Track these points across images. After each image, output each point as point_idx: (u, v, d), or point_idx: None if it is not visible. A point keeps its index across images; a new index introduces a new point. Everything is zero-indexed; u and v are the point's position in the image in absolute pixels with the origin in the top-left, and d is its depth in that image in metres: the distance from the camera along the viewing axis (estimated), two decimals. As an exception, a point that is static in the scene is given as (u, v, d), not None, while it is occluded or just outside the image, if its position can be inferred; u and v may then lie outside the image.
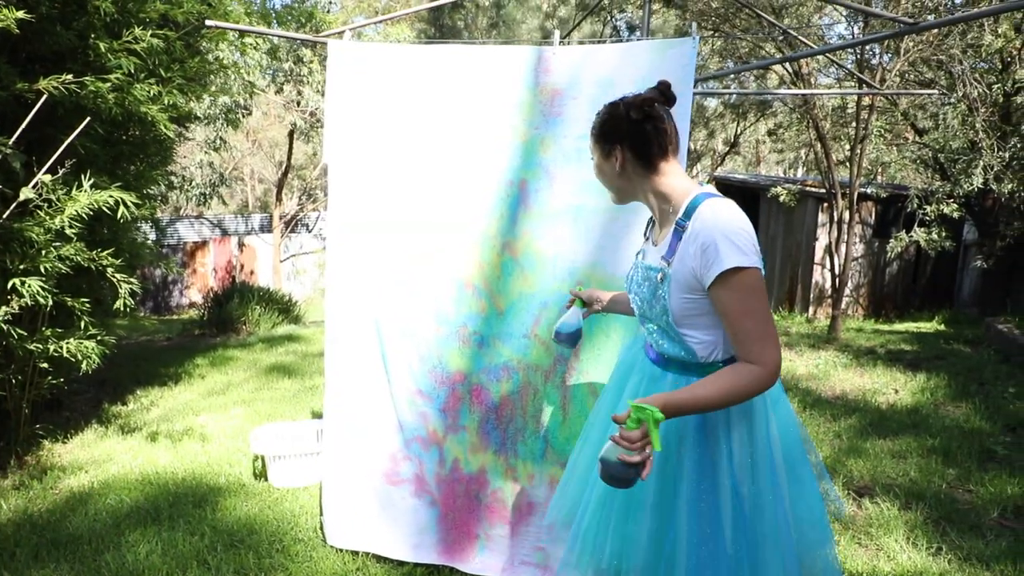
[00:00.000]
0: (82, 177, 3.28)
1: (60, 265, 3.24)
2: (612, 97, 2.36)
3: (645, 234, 1.78)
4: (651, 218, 1.74)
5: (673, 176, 1.61)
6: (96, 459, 3.86)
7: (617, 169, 1.64)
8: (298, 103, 13.07)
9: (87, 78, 3.28)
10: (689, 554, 1.53)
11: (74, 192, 3.24)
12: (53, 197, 3.19)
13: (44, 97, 3.07)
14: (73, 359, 3.53)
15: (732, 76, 10.35)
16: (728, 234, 1.44)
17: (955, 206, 8.42)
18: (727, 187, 13.34)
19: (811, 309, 10.94)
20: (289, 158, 16.07)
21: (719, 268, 1.43)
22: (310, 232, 21.10)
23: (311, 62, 12.00)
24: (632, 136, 1.61)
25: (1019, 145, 7.64)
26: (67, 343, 3.45)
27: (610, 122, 1.65)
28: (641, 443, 1.37)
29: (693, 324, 1.55)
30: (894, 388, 5.33)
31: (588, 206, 2.40)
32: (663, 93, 1.64)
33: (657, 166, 1.60)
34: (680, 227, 1.53)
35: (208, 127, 11.88)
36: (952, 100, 8.05)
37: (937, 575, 2.57)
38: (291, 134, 14.90)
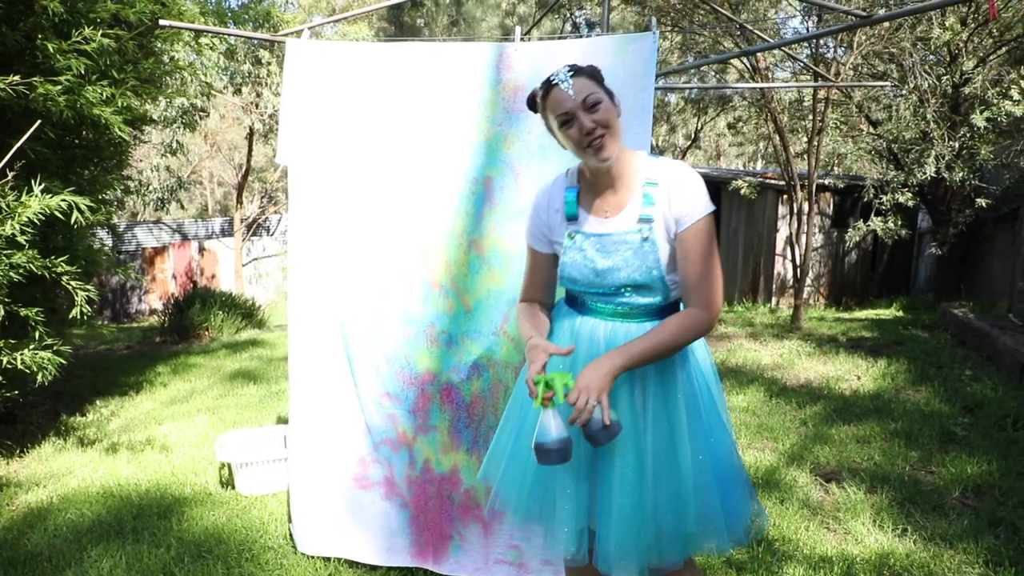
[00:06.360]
0: (32, 182, 3.18)
1: (12, 274, 3.14)
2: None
3: (570, 213, 1.71)
4: (574, 191, 1.71)
5: None
6: (54, 473, 3.74)
7: (619, 118, 1.64)
8: (256, 105, 12.86)
9: (36, 79, 3.18)
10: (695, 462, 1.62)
11: (24, 197, 3.14)
12: (3, 203, 3.08)
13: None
14: (28, 371, 3.43)
15: (692, 71, 10.46)
16: (697, 182, 1.63)
17: (909, 195, 8.62)
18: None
19: (774, 299, 11.13)
20: (249, 161, 15.81)
21: (700, 212, 1.60)
22: (271, 235, 20.79)
23: (269, 63, 11.81)
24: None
25: (968, 135, 7.86)
26: (21, 354, 3.34)
27: (600, 73, 1.65)
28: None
29: (673, 268, 1.66)
30: (856, 375, 5.44)
31: (553, 202, 2.40)
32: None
33: None
34: (651, 186, 1.63)
35: (164, 130, 11.62)
36: (904, 92, 8.25)
37: (903, 556, 2.63)
38: (250, 136, 14.65)
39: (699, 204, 1.60)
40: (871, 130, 9.59)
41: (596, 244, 1.66)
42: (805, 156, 8.81)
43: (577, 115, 1.57)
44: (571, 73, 1.59)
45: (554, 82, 1.60)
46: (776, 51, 8.76)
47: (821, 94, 7.71)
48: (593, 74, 1.63)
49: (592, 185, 1.69)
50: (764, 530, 1.76)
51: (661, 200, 1.61)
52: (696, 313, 1.59)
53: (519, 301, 1.87)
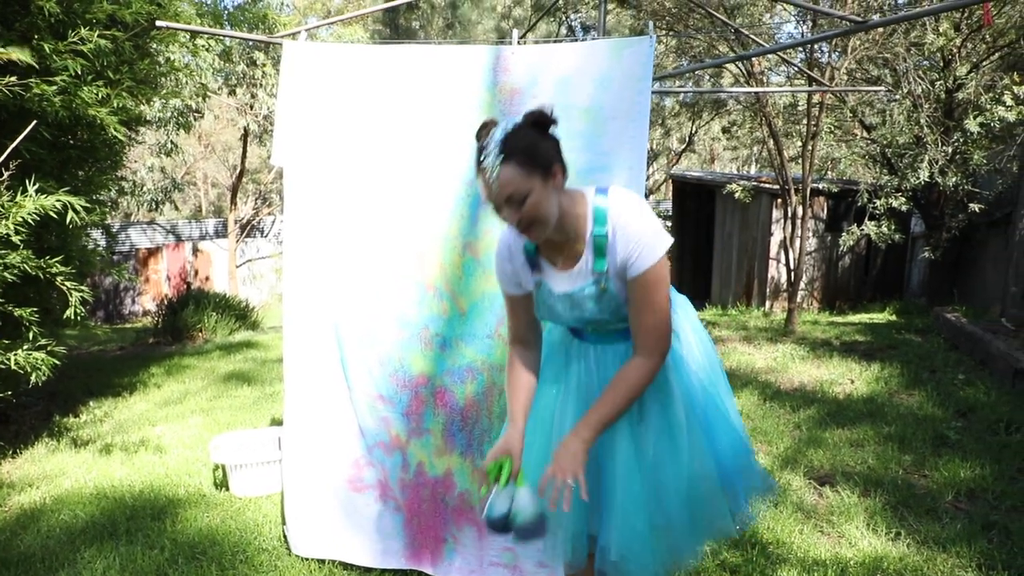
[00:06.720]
0: (27, 182, 3.17)
1: (6, 274, 3.13)
2: (571, 96, 2.37)
3: (532, 264, 1.71)
4: (533, 247, 1.68)
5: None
6: (47, 474, 3.73)
7: (558, 194, 1.54)
8: (251, 106, 12.83)
9: (32, 80, 3.17)
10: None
11: (19, 197, 3.13)
12: (-2, 203, 3.07)
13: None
14: (21, 371, 3.41)
15: (687, 75, 10.50)
16: (645, 224, 1.54)
17: (903, 199, 8.65)
18: (683, 184, 13.53)
19: (768, 303, 11.15)
20: (243, 162, 15.76)
21: (648, 262, 1.53)
22: (265, 237, 20.75)
23: (264, 65, 11.79)
24: (560, 152, 1.55)
25: (961, 140, 7.89)
26: (15, 355, 3.32)
27: (537, 142, 1.49)
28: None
29: None
30: (850, 378, 5.46)
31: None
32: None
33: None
34: (600, 237, 1.57)
35: (159, 131, 11.60)
36: (898, 97, 8.28)
37: (897, 559, 2.63)
38: (244, 137, 14.62)
39: (647, 252, 1.53)
40: (865, 135, 9.62)
41: (559, 298, 1.67)
42: (799, 160, 8.85)
43: (501, 208, 1.51)
44: (501, 158, 1.44)
45: (482, 164, 1.47)
46: (771, 56, 8.80)
47: (815, 98, 7.74)
48: (529, 152, 1.46)
49: None
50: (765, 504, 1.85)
51: (611, 248, 1.57)
52: (641, 363, 1.58)
53: (509, 343, 1.85)
